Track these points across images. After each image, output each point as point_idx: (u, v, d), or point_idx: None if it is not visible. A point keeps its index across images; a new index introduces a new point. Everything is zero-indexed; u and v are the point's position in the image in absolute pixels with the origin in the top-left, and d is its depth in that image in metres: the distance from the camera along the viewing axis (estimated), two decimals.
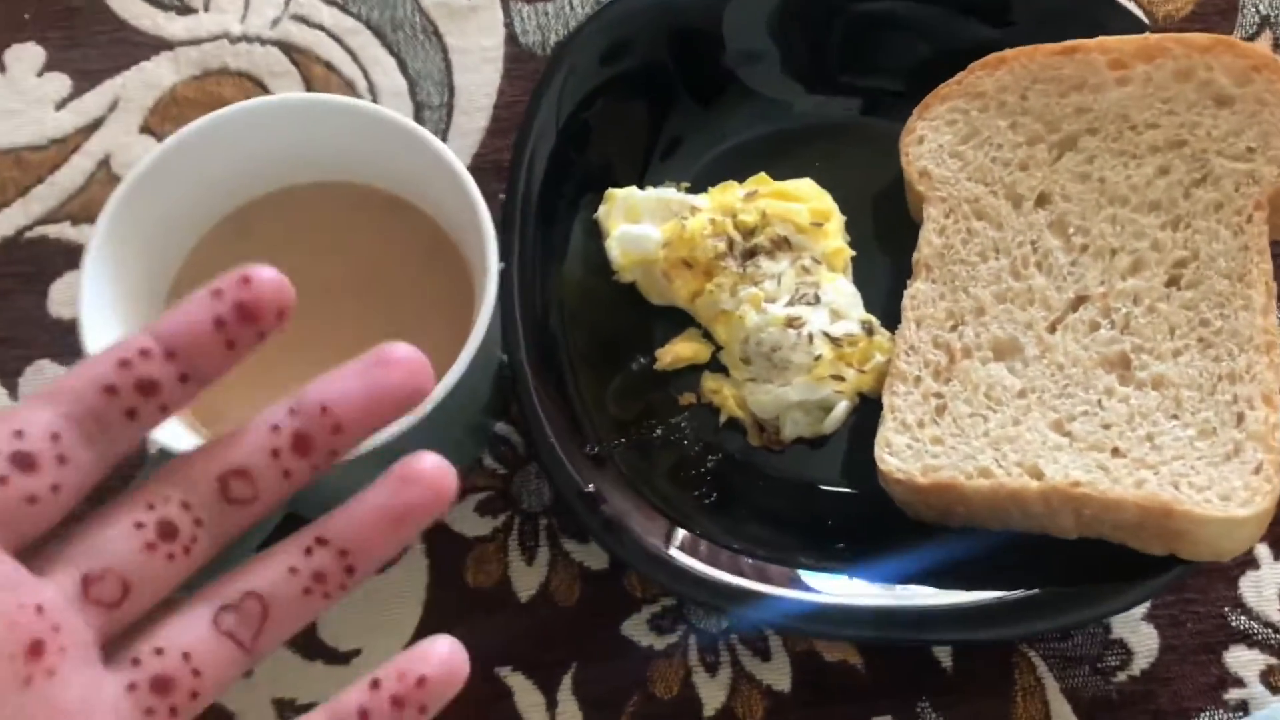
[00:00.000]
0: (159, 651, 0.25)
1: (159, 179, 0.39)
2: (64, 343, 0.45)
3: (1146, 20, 0.48)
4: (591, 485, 0.39)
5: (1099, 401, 0.38)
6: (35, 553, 0.25)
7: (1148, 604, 0.41)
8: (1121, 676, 0.41)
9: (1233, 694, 0.40)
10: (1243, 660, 0.41)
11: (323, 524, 0.27)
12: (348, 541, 0.26)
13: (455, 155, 0.38)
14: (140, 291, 0.40)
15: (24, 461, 0.24)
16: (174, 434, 0.36)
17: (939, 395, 0.40)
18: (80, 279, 0.37)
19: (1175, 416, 0.37)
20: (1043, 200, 0.42)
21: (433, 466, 0.27)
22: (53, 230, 0.47)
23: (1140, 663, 0.41)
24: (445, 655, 0.26)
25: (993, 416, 0.39)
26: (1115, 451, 0.37)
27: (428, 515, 0.26)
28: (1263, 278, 0.38)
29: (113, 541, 0.25)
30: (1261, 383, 0.36)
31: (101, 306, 0.38)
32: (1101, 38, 0.42)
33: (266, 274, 0.25)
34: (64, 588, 0.25)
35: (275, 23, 0.50)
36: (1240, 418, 0.36)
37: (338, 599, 0.27)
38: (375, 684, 0.26)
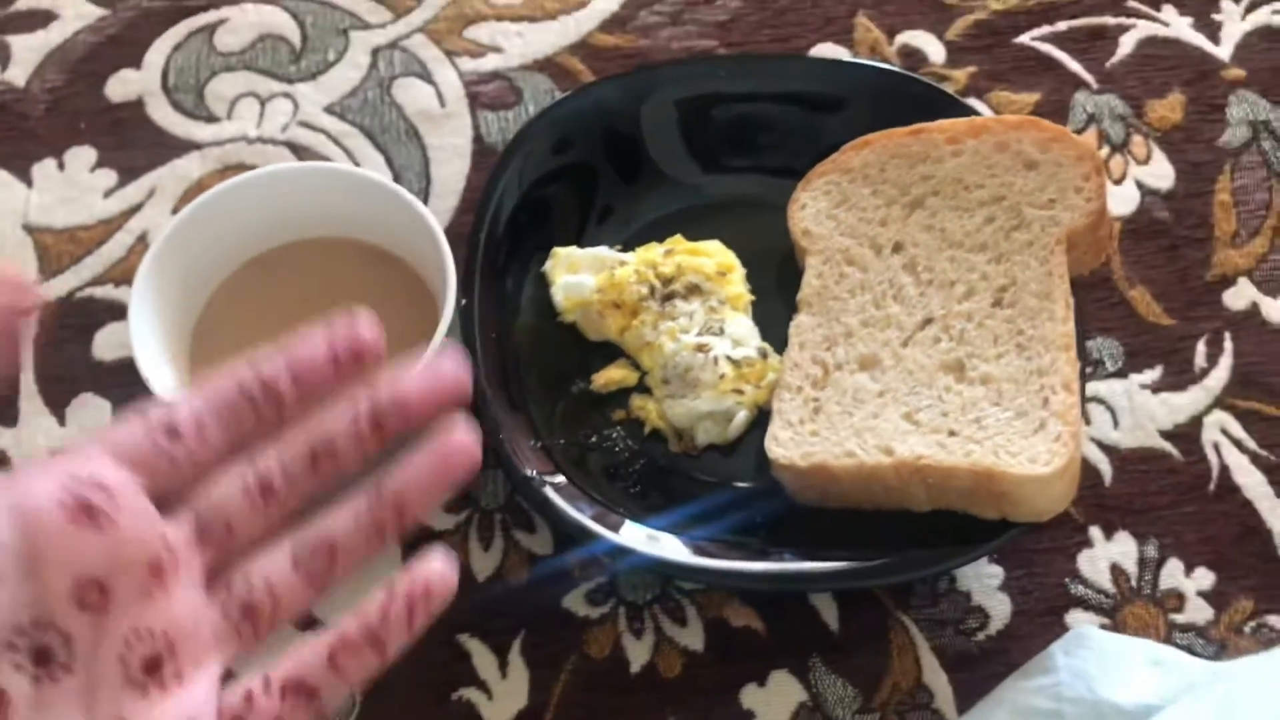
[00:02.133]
0: (250, 582, 0.30)
1: (181, 238, 0.49)
2: (105, 381, 0.55)
3: (991, 113, 0.60)
4: (534, 470, 0.48)
5: (940, 396, 0.47)
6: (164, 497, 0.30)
7: (1002, 576, 0.49)
8: (981, 636, 0.49)
9: None
10: (1080, 620, 0.49)
11: (382, 481, 0.31)
12: (400, 494, 0.31)
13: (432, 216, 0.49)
14: (173, 329, 0.49)
15: (172, 430, 0.30)
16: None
17: (816, 400, 0.49)
18: (129, 318, 0.47)
19: (998, 404, 0.46)
20: (898, 247, 0.52)
21: (464, 433, 0.31)
22: (99, 291, 0.57)
23: (996, 624, 0.49)
24: (441, 568, 0.31)
25: (857, 412, 0.48)
26: (951, 433, 0.46)
27: (464, 471, 0.31)
28: (1063, 296, 0.48)
29: (221, 489, 0.30)
30: (1062, 374, 0.46)
31: (147, 343, 0.47)
32: (940, 121, 0.53)
33: (367, 318, 0.31)
34: (182, 525, 0.30)
35: (284, 128, 0.61)
36: (1046, 401, 0.45)
37: (392, 542, 0.31)
38: (391, 592, 0.31)
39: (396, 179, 0.60)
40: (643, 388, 0.53)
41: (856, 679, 0.48)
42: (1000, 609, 0.49)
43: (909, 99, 0.55)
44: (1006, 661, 0.48)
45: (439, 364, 0.32)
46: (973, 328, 0.49)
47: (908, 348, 0.49)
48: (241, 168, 0.60)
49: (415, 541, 0.50)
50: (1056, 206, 0.50)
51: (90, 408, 0.54)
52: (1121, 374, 0.54)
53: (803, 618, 0.49)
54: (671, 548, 0.47)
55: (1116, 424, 0.53)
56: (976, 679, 0.47)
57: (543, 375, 0.53)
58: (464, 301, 0.51)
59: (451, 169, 0.60)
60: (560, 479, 0.49)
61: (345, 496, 0.31)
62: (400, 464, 0.31)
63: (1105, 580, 0.50)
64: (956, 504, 0.46)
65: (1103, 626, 0.49)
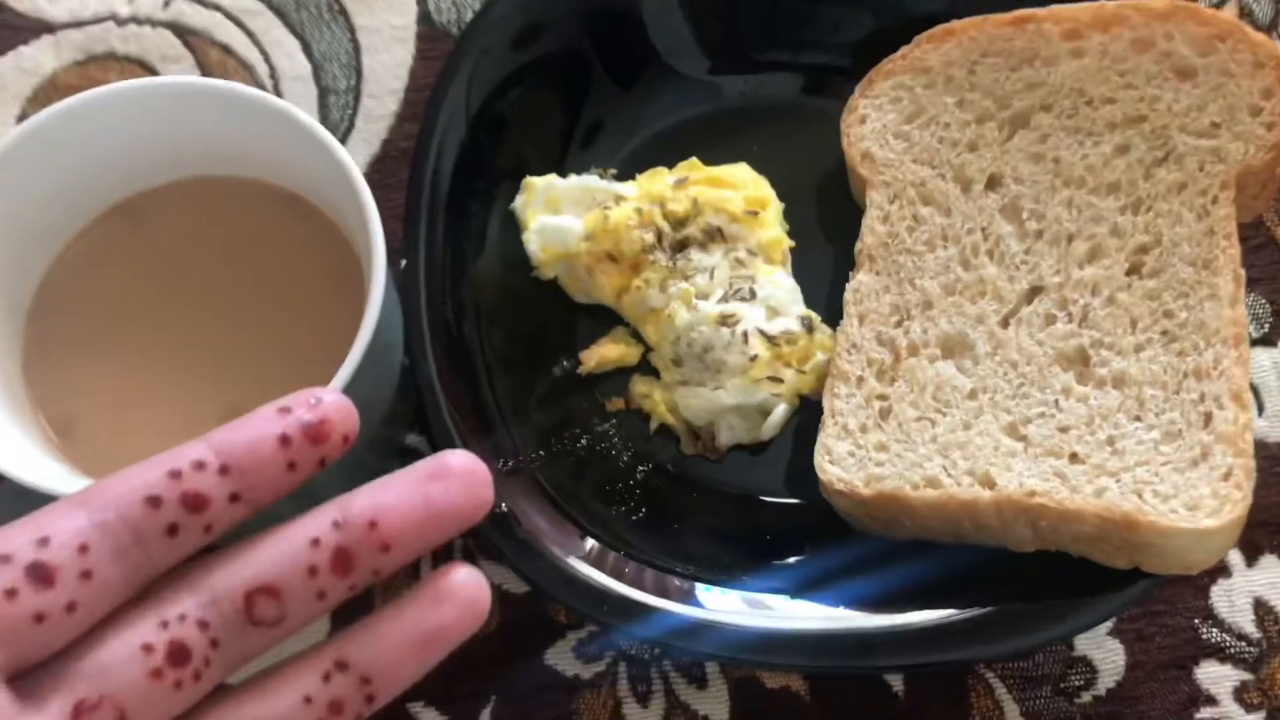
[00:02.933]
0: None
1: (12, 174, 0.35)
2: None
3: None
4: (505, 505, 0.36)
5: (1056, 402, 0.35)
6: (33, 670, 0.22)
7: (1113, 619, 0.38)
8: (1086, 697, 0.38)
9: (1204, 713, 0.38)
10: (1214, 676, 0.38)
11: (342, 645, 0.24)
12: (370, 667, 0.24)
13: (343, 143, 0.35)
14: None
15: (41, 574, 0.22)
16: (29, 468, 0.32)
17: (883, 397, 0.37)
18: None
19: (1138, 418, 0.34)
20: (993, 183, 0.38)
21: (468, 578, 0.24)
22: None
23: (1106, 681, 0.38)
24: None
25: (941, 420, 0.36)
26: (1074, 457, 0.34)
27: (460, 635, 0.24)
28: (1230, 265, 0.35)
29: (116, 664, 0.22)
30: (1230, 379, 0.33)
31: None
32: (1054, 6, 0.39)
33: (335, 396, 0.24)
34: (52, 717, 0.22)
35: (167, 3, 0.46)
36: (1208, 418, 0.33)
37: None
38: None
39: (316, 72, 0.45)
40: (647, 368, 0.40)
41: None
42: (1111, 661, 0.38)
43: None
44: None
45: (442, 466, 0.24)
46: (1100, 304, 0.36)
47: (1009, 328, 0.36)
48: (110, 59, 0.46)
49: None
50: (1222, 134, 0.36)
51: None
52: (1268, 341, 0.42)
53: (858, 677, 0.38)
54: (691, 607, 0.35)
55: (1262, 410, 0.41)
56: None
57: (513, 351, 0.40)
58: (403, 263, 0.37)
59: (389, 59, 0.46)
60: (534, 510, 0.36)
61: (290, 664, 0.24)
62: (370, 628, 0.24)
63: (1247, 622, 0.38)
64: (1071, 547, 0.35)
65: (1243, 684, 0.38)
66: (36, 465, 0.33)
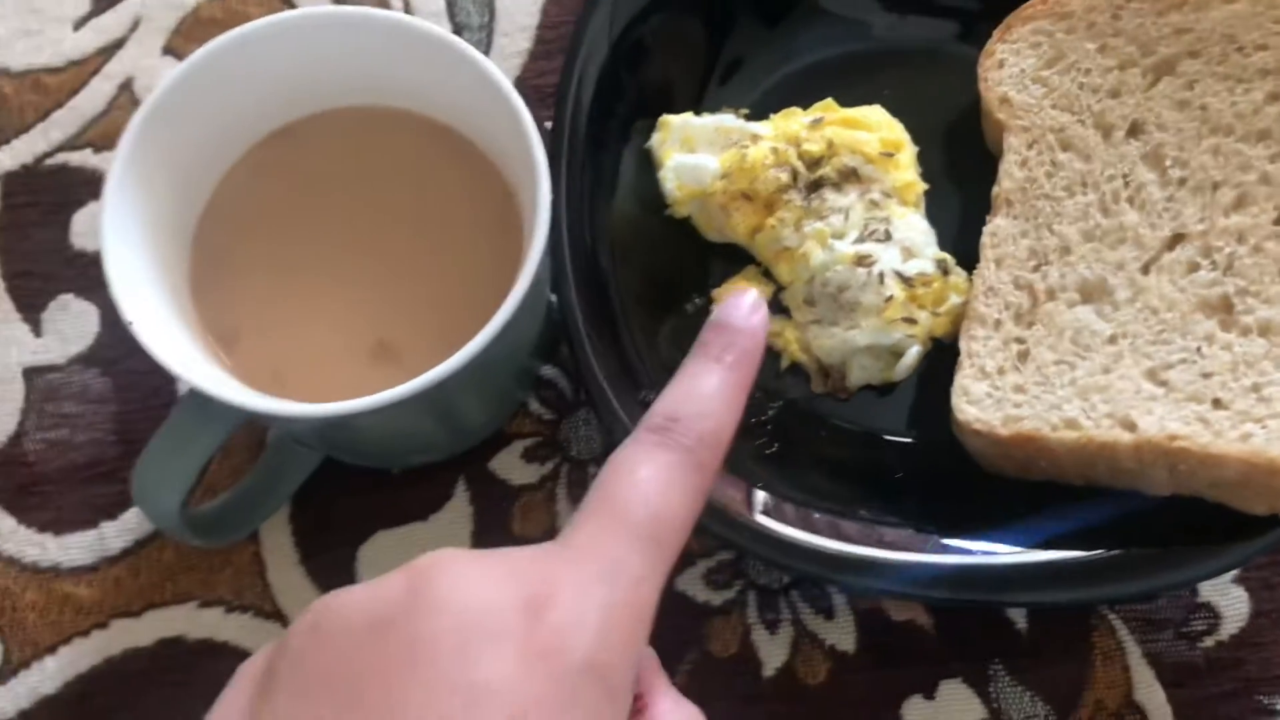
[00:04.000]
0: None
1: (181, 102, 0.36)
2: (88, 276, 0.43)
3: None
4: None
5: (1198, 349, 0.35)
6: None
7: (1238, 567, 0.39)
8: (1209, 642, 0.38)
9: None
10: None
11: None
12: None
13: (502, 74, 0.35)
14: (165, 221, 0.37)
15: None
16: (205, 375, 0.34)
17: (1021, 341, 0.37)
18: (101, 210, 0.35)
19: None
20: (1136, 130, 0.38)
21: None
22: (74, 158, 0.45)
23: (1229, 628, 0.38)
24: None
25: (1080, 364, 0.36)
26: (1217, 403, 0.34)
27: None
28: None
29: None
30: None
31: (126, 239, 0.35)
32: None
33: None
34: None
35: None
36: None
37: None
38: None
39: (450, 9, 0.46)
40: (779, 307, 0.41)
41: (1049, 693, 0.38)
42: (1236, 608, 0.39)
43: None
44: (1242, 676, 0.38)
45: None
46: (1246, 252, 0.36)
47: (1150, 275, 0.36)
48: None
49: (487, 495, 0.40)
50: None
51: (72, 313, 0.43)
52: None
53: (981, 614, 0.39)
54: (824, 540, 0.36)
55: None
56: (1202, 698, 0.38)
57: (647, 287, 0.41)
58: (550, 197, 0.38)
59: None
60: None
61: None
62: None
63: None
64: (1209, 493, 0.35)
65: None
66: (208, 374, 0.34)
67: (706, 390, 0.29)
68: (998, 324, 0.37)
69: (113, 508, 0.40)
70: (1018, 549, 0.36)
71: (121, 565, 0.40)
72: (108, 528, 0.40)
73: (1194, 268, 0.36)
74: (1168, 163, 0.38)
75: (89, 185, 0.44)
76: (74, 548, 0.40)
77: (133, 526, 0.40)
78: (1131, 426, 0.34)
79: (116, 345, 0.42)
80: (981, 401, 0.36)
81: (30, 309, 0.43)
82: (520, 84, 0.45)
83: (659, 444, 0.28)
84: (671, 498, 0.27)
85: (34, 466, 0.41)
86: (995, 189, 0.39)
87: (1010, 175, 0.39)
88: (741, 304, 0.31)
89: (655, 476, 0.27)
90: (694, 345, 0.30)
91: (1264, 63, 0.37)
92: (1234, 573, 0.39)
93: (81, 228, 0.44)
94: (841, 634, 0.39)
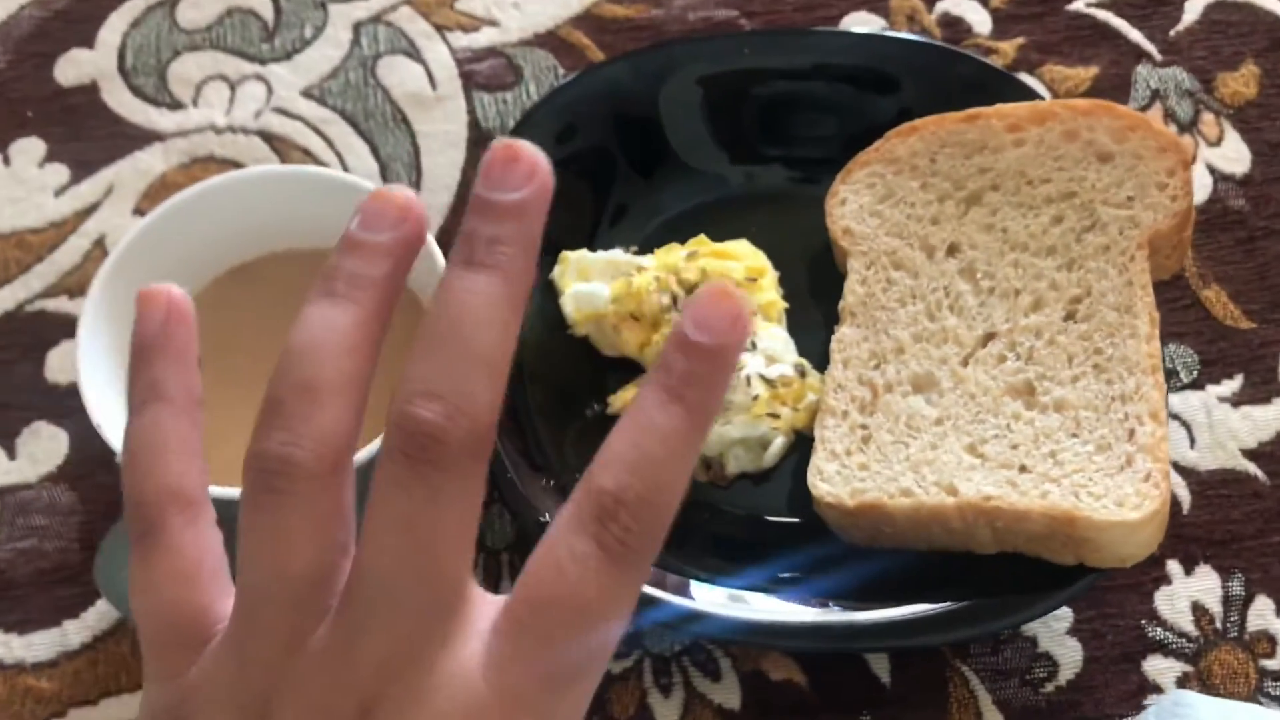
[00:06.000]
0: None
1: (144, 248, 0.43)
2: (61, 406, 0.49)
3: (1047, 95, 0.54)
4: (547, 515, 0.42)
5: (1008, 425, 0.42)
6: None
7: (1071, 619, 0.44)
8: (1049, 687, 0.43)
9: (1151, 700, 0.43)
10: (1159, 668, 0.44)
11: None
12: None
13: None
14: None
15: None
16: None
17: (864, 427, 0.44)
18: (77, 344, 0.41)
19: (1075, 435, 0.41)
20: (953, 250, 0.46)
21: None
22: (50, 304, 0.51)
23: (1066, 674, 0.44)
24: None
25: (913, 443, 0.42)
26: (1023, 468, 0.41)
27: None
28: (1146, 309, 0.42)
29: None
30: (1149, 401, 0.40)
31: (98, 367, 0.41)
32: (998, 105, 0.47)
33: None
34: None
35: (257, 115, 0.55)
36: (1131, 433, 0.40)
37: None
38: None
39: (383, 171, 0.54)
40: None
41: None
42: (1070, 656, 0.44)
43: (960, 79, 0.49)
44: (1078, 715, 0.43)
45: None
46: (1043, 345, 0.43)
47: (968, 367, 0.43)
48: (210, 161, 0.54)
49: None
50: (1136, 205, 0.44)
51: (43, 438, 0.48)
52: (1197, 385, 0.49)
53: (850, 669, 0.44)
54: (704, 600, 0.42)
55: (1193, 443, 0.47)
56: None
57: (551, 397, 0.47)
58: None
59: (445, 159, 0.54)
60: None
61: None
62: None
63: (1186, 622, 0.44)
64: (1026, 548, 0.41)
65: (1185, 674, 0.43)
66: None
67: (662, 447, 0.23)
68: (845, 414, 0.44)
69: (75, 607, 0.45)
70: (873, 606, 0.42)
71: (81, 659, 0.44)
72: (70, 625, 0.45)
73: (1003, 359, 0.43)
74: (979, 275, 0.45)
75: (63, 327, 0.50)
76: (38, 645, 0.45)
77: (92, 624, 0.45)
78: (954, 492, 0.41)
79: (84, 463, 0.47)
80: (833, 478, 0.43)
81: (6, 435, 0.48)
82: (444, 233, 0.52)
83: (600, 547, 0.22)
84: (612, 617, 0.23)
85: (4, 573, 0.46)
86: (841, 303, 0.46)
87: (853, 291, 0.46)
88: (721, 308, 0.23)
89: (599, 598, 0.22)
90: (652, 367, 0.23)
91: (1048, 193, 0.45)
92: (1067, 625, 0.44)
93: (56, 364, 0.50)
94: (727, 694, 0.44)
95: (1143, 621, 0.44)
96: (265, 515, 0.23)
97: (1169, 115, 0.54)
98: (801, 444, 0.46)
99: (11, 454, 0.48)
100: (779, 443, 0.45)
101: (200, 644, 0.24)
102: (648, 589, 0.42)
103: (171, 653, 0.25)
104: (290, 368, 0.24)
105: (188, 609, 0.25)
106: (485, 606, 0.24)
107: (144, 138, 0.54)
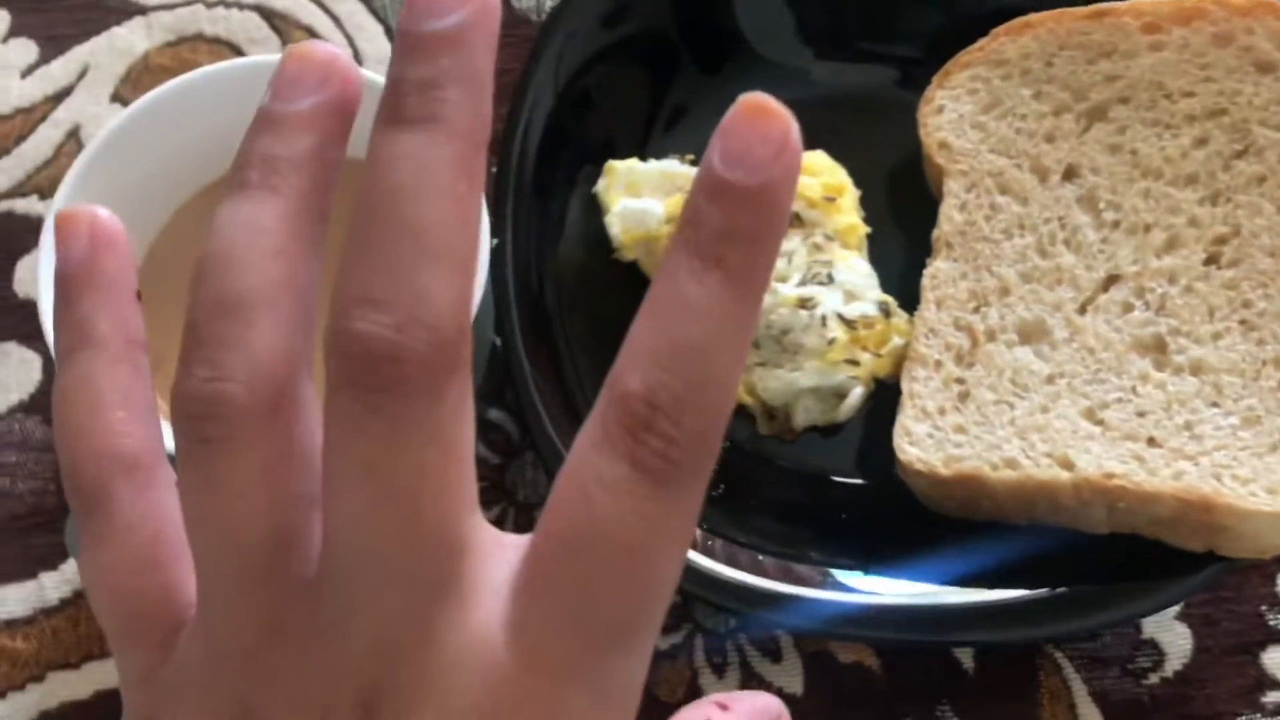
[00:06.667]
0: None
1: (124, 148, 0.36)
2: (31, 324, 0.42)
3: None
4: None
5: (1133, 388, 0.36)
6: None
7: (1180, 603, 0.39)
8: (1153, 679, 0.38)
9: (1271, 697, 0.38)
10: None
11: None
12: None
13: None
14: None
15: None
16: None
17: (961, 381, 0.37)
18: (39, 256, 0.35)
19: (1216, 404, 0.35)
20: (1070, 173, 0.39)
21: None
22: (19, 205, 0.44)
23: (1173, 664, 0.39)
24: None
25: (1019, 403, 0.36)
26: (1151, 441, 0.35)
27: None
28: None
29: None
30: None
31: None
32: (1134, 0, 0.39)
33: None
34: None
35: None
36: None
37: None
38: None
39: None
40: None
41: None
42: (1179, 645, 0.39)
43: None
44: (1186, 712, 0.38)
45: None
46: (1178, 293, 0.36)
47: (1086, 315, 0.37)
48: (199, 40, 0.47)
49: None
50: None
51: (13, 361, 0.42)
52: None
53: (928, 655, 0.39)
54: (769, 581, 0.36)
55: None
56: None
57: (593, 331, 0.41)
58: (494, 241, 0.39)
59: None
60: None
61: None
62: None
63: None
64: (1146, 530, 0.35)
65: None
66: None
67: (700, 329, 0.17)
68: (938, 365, 0.38)
69: (53, 558, 0.40)
70: (963, 588, 0.36)
71: (60, 616, 0.39)
72: (46, 578, 0.40)
73: (1128, 308, 0.37)
74: (1101, 205, 0.38)
75: (34, 233, 0.44)
76: (11, 600, 0.40)
77: (71, 577, 0.40)
78: (1069, 465, 0.35)
79: None
80: (923, 442, 0.37)
81: None
82: None
83: (635, 467, 0.17)
84: (663, 555, 0.18)
85: None
86: (935, 232, 0.40)
87: (950, 219, 0.40)
88: (760, 130, 0.17)
89: (642, 532, 0.18)
90: (678, 225, 0.18)
91: (1190, 109, 0.38)
92: (1177, 609, 0.39)
93: (25, 275, 0.43)
94: (789, 677, 0.39)
95: (1263, 608, 0.39)
96: (201, 473, 0.19)
97: None
98: (882, 394, 0.40)
99: None
100: (857, 393, 0.39)
101: (171, 634, 0.20)
102: (703, 564, 0.36)
103: (140, 648, 0.21)
104: (205, 284, 0.19)
105: (151, 595, 0.20)
106: (501, 554, 0.19)
107: (123, 10, 0.47)
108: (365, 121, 0.37)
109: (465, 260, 0.18)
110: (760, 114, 0.18)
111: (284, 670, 0.19)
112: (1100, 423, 0.35)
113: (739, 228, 0.17)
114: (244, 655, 0.19)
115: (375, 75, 0.36)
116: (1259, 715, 0.38)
